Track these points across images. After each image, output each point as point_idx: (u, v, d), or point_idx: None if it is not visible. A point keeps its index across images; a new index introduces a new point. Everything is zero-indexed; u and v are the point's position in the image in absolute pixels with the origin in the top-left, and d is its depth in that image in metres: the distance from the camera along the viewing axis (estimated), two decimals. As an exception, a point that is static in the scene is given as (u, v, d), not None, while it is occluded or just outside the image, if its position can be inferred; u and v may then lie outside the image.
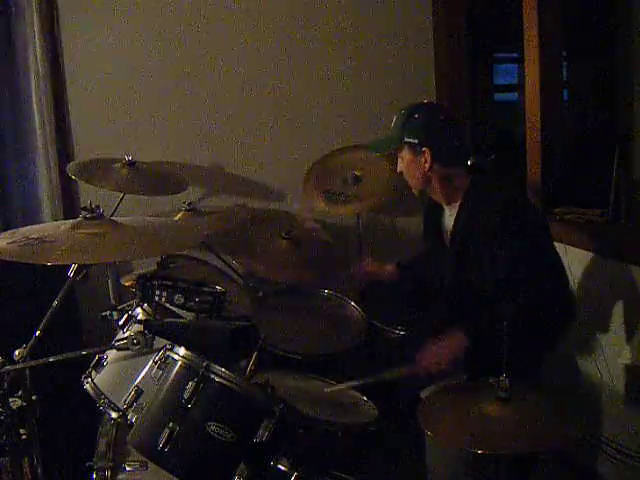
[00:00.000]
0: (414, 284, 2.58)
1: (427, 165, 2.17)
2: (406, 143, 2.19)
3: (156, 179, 2.83)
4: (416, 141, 2.17)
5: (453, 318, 2.26)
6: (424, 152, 2.16)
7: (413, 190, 2.30)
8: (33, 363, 1.71)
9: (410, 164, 2.22)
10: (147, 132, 3.10)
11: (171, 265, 2.58)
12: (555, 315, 2.06)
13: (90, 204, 1.81)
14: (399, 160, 2.26)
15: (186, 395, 1.65)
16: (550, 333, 2.12)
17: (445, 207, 2.28)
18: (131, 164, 2.72)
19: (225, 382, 1.66)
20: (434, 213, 2.35)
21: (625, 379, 2.43)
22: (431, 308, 2.38)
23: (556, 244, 2.24)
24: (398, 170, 2.28)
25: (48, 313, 1.84)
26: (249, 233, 2.93)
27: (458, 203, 2.21)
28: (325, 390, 2.12)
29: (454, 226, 2.22)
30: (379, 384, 2.14)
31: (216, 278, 2.72)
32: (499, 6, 3.62)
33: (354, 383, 2.14)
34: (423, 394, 2.16)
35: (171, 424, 1.63)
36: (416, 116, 2.19)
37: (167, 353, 1.81)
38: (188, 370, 1.71)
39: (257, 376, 1.90)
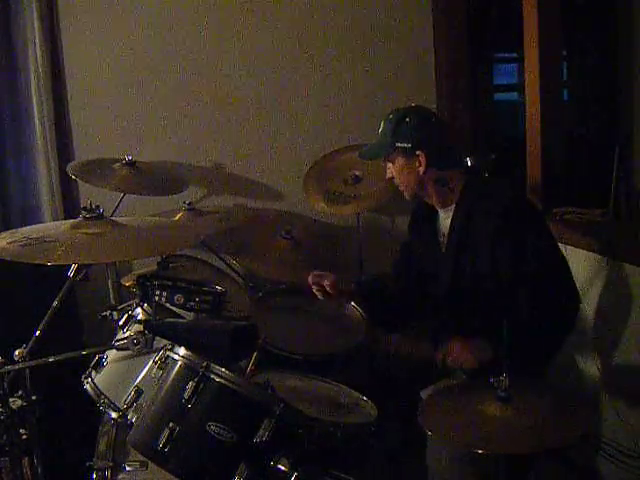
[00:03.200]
0: (380, 302, 2.46)
1: (421, 169, 2.15)
2: (398, 148, 2.17)
3: (156, 179, 2.84)
4: (409, 145, 2.15)
5: (451, 320, 2.25)
6: (418, 156, 2.14)
7: (405, 195, 2.27)
8: (33, 363, 1.71)
9: (403, 169, 2.19)
10: (147, 132, 3.10)
11: (171, 265, 2.58)
12: (561, 312, 2.06)
13: (90, 204, 1.81)
14: (388, 166, 2.23)
15: (186, 395, 1.65)
16: (554, 331, 2.11)
17: (440, 210, 2.26)
18: (131, 164, 2.73)
19: (225, 382, 1.66)
20: (426, 216, 2.32)
21: (625, 379, 2.43)
22: (429, 311, 2.37)
23: (556, 244, 2.24)
24: (388, 176, 2.24)
25: (48, 313, 1.84)
26: (249, 233, 2.93)
27: (453, 205, 2.20)
28: None
29: (450, 228, 2.20)
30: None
31: (216, 278, 2.72)
32: (499, 6, 3.62)
33: None
34: (423, 394, 2.16)
35: (171, 424, 1.63)
36: (407, 120, 2.16)
37: (167, 353, 1.81)
38: (188, 370, 1.71)
39: (257, 376, 1.90)
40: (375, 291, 2.44)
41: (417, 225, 2.41)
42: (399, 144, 2.15)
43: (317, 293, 2.28)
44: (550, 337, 2.06)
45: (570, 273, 2.12)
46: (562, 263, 2.12)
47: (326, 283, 2.24)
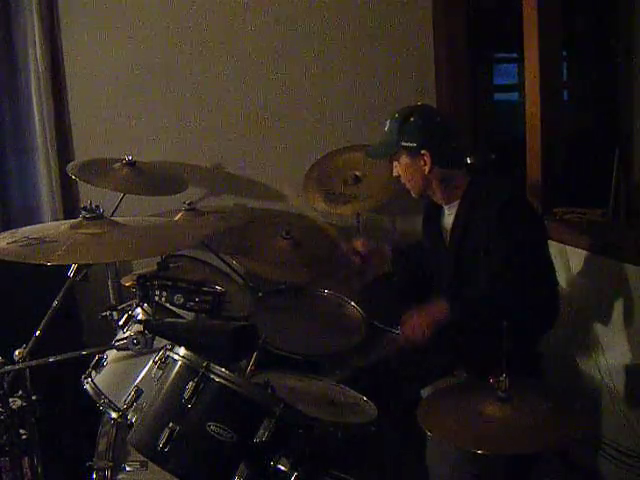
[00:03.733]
0: (407, 274, 2.55)
1: (426, 168, 2.17)
2: (403, 147, 2.18)
3: (156, 179, 2.83)
4: (414, 144, 2.16)
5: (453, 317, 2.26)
6: (423, 155, 2.16)
7: (412, 193, 2.29)
8: (33, 363, 1.71)
9: (408, 168, 2.21)
10: (147, 132, 3.10)
11: (171, 265, 2.58)
12: (541, 313, 2.08)
13: (90, 204, 1.81)
14: (395, 164, 2.25)
15: (186, 395, 1.65)
16: (534, 331, 2.14)
17: (444, 207, 2.29)
18: (131, 164, 2.73)
19: (225, 382, 1.66)
20: (433, 214, 2.36)
21: (625, 379, 2.43)
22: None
23: (556, 244, 2.25)
24: (394, 174, 2.27)
25: (48, 313, 1.84)
26: (249, 233, 2.93)
27: (457, 203, 2.22)
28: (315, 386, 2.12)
29: (453, 225, 2.23)
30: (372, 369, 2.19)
31: (216, 278, 2.72)
32: (499, 6, 3.62)
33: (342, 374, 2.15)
34: (423, 394, 2.16)
35: (171, 424, 1.63)
36: (412, 119, 2.17)
37: (167, 353, 1.81)
38: (188, 370, 1.71)
39: (257, 376, 1.90)
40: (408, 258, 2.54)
41: (426, 222, 2.44)
42: (404, 143, 2.17)
43: (354, 259, 2.47)
44: (520, 335, 2.08)
45: (554, 277, 2.15)
46: (548, 267, 2.14)
47: (358, 244, 2.45)
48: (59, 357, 1.72)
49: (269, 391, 1.74)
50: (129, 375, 1.93)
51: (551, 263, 2.17)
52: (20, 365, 1.71)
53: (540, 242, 2.17)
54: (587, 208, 2.80)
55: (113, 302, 2.11)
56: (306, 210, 3.07)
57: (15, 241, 1.69)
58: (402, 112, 2.20)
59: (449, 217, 2.26)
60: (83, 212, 1.80)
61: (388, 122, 2.22)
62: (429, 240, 2.42)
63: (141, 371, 1.91)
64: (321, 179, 3.00)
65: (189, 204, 2.83)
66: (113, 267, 2.42)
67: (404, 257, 2.53)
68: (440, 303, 2.11)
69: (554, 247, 2.33)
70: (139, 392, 1.88)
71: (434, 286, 2.37)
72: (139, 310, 2.00)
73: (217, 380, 1.66)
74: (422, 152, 2.15)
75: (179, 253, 2.73)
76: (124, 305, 2.10)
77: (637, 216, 2.78)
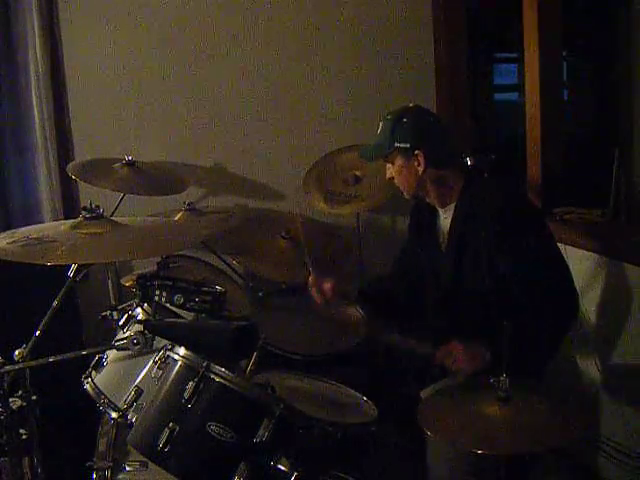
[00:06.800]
0: (384, 305, 2.44)
1: (420, 168, 2.16)
2: (397, 148, 2.18)
3: (156, 179, 2.83)
4: (407, 145, 2.15)
5: (452, 321, 2.25)
6: (417, 155, 2.15)
7: (405, 195, 2.28)
8: (33, 363, 1.72)
9: (402, 169, 2.19)
10: (147, 132, 3.10)
11: (171, 265, 2.58)
12: (559, 313, 2.06)
13: (90, 204, 1.81)
14: (388, 166, 2.24)
15: (186, 395, 1.65)
16: (555, 331, 2.11)
17: (439, 210, 2.26)
18: (131, 164, 2.73)
19: (225, 382, 1.66)
20: (426, 217, 2.32)
21: (625, 379, 2.43)
22: (430, 310, 2.37)
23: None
24: (388, 176, 2.25)
25: (48, 313, 1.84)
26: (249, 233, 2.93)
27: (453, 205, 2.20)
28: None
29: (450, 228, 2.20)
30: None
31: (216, 278, 2.72)
32: (499, 6, 3.62)
33: None
34: (423, 394, 2.16)
35: (171, 424, 1.63)
36: (405, 120, 2.16)
37: (167, 353, 1.81)
38: (188, 370, 1.71)
39: (257, 376, 1.90)
40: (378, 295, 2.44)
41: (417, 225, 2.42)
42: (397, 144, 2.16)
43: (316, 297, 2.28)
44: (547, 338, 2.06)
45: (569, 273, 2.12)
46: (561, 263, 2.11)
47: (326, 286, 2.26)
48: (59, 357, 1.72)
49: (269, 391, 1.74)
50: (129, 375, 1.92)
51: (562, 259, 2.14)
52: (20, 365, 1.71)
53: (546, 240, 2.15)
54: (587, 208, 2.81)
55: (113, 302, 2.11)
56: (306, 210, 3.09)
57: (15, 241, 1.69)
58: (395, 113, 2.19)
59: (445, 220, 2.23)
60: (83, 212, 1.81)
61: (381, 123, 2.21)
62: (421, 244, 2.37)
63: (141, 371, 1.91)
64: (321, 179, 3.00)
65: (189, 204, 2.84)
66: (113, 267, 2.42)
67: (372, 301, 2.43)
68: (482, 351, 2.00)
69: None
70: (139, 392, 1.88)
71: (429, 293, 2.35)
72: (139, 310, 2.00)
73: (217, 380, 1.66)
74: (416, 152, 2.14)
75: (179, 253, 2.73)
76: (124, 305, 2.10)
77: (637, 216, 2.79)
